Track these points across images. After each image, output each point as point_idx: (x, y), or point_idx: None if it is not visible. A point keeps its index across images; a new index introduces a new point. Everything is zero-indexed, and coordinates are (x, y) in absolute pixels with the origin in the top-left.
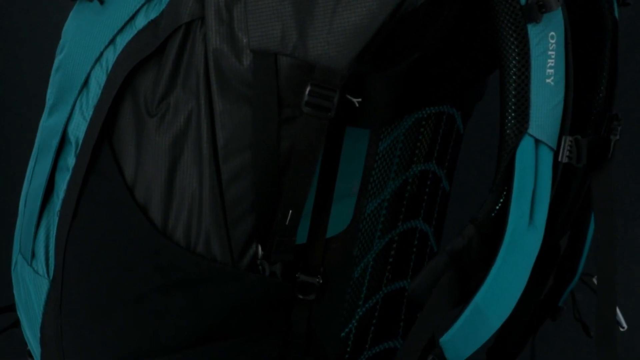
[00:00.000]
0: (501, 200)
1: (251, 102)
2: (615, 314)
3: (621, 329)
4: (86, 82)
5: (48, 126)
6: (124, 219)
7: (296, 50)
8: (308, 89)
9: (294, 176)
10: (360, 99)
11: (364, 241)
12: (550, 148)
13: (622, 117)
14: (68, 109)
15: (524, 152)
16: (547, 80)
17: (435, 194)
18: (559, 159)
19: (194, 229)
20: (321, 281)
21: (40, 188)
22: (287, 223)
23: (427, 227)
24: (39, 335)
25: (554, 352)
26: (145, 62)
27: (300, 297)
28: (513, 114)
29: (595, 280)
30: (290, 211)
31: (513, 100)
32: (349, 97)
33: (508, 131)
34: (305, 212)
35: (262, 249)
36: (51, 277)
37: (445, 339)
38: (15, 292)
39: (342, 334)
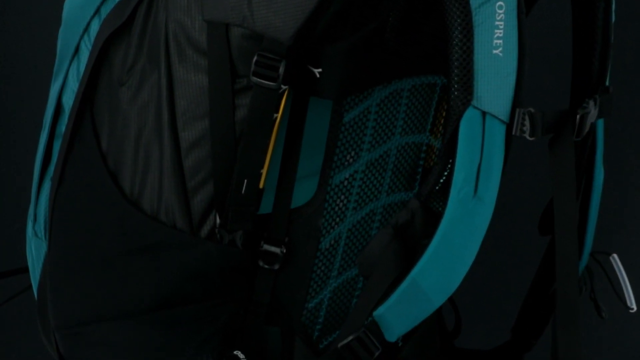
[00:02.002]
0: (445, 173)
1: (207, 71)
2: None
3: (630, 311)
4: (77, 51)
5: (50, 95)
6: (97, 185)
7: (245, 20)
8: (255, 58)
9: (247, 146)
10: (320, 70)
11: (333, 212)
12: (502, 121)
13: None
14: (62, 78)
15: (469, 123)
16: (495, 52)
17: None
18: (513, 132)
19: (156, 196)
20: (285, 251)
21: (40, 155)
22: (242, 192)
23: None
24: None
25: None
26: (120, 32)
27: (265, 266)
28: (456, 86)
29: (612, 259)
30: (246, 181)
31: (456, 71)
32: (309, 67)
33: (452, 103)
34: (274, 183)
35: (220, 218)
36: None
37: (379, 313)
38: (27, 254)
39: (310, 305)
